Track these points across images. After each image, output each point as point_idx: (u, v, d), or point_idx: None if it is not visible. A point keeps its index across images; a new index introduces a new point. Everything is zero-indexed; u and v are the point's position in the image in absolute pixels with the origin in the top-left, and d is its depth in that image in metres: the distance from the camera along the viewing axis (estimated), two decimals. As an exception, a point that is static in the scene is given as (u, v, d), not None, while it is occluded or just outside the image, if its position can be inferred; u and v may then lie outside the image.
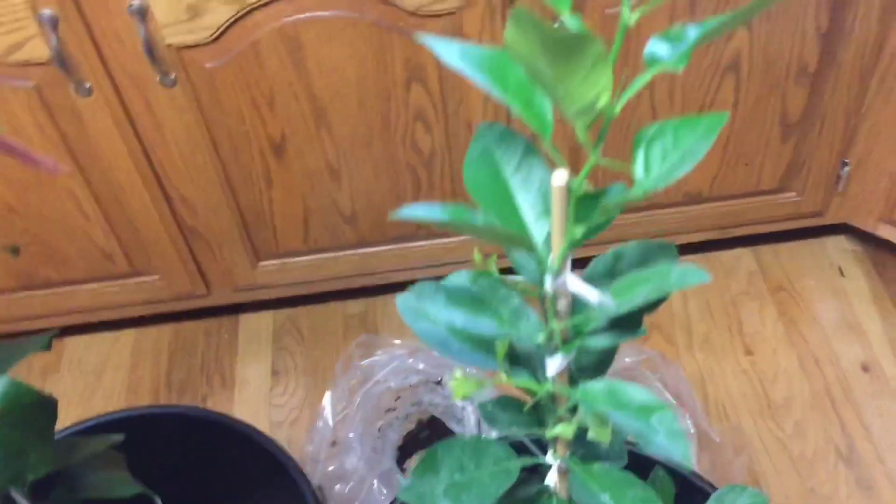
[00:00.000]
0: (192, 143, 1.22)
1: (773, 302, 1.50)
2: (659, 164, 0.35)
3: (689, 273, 0.37)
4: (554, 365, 0.44)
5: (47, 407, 0.65)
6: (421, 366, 1.30)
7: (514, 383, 0.46)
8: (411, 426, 1.36)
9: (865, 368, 1.39)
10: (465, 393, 0.44)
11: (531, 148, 0.43)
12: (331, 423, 1.26)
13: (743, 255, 1.56)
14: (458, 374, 0.45)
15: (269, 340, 1.54)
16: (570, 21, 0.34)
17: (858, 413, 1.34)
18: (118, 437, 0.73)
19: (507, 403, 0.56)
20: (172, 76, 1.13)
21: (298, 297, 1.54)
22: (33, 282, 1.39)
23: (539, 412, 0.53)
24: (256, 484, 1.02)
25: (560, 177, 0.35)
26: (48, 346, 0.69)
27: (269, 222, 1.36)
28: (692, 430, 1.23)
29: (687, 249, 1.54)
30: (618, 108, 0.36)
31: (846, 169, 1.38)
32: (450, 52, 0.36)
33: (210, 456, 1.03)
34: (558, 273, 0.39)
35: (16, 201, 1.26)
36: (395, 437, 1.32)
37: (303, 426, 1.40)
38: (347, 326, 1.54)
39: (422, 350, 1.31)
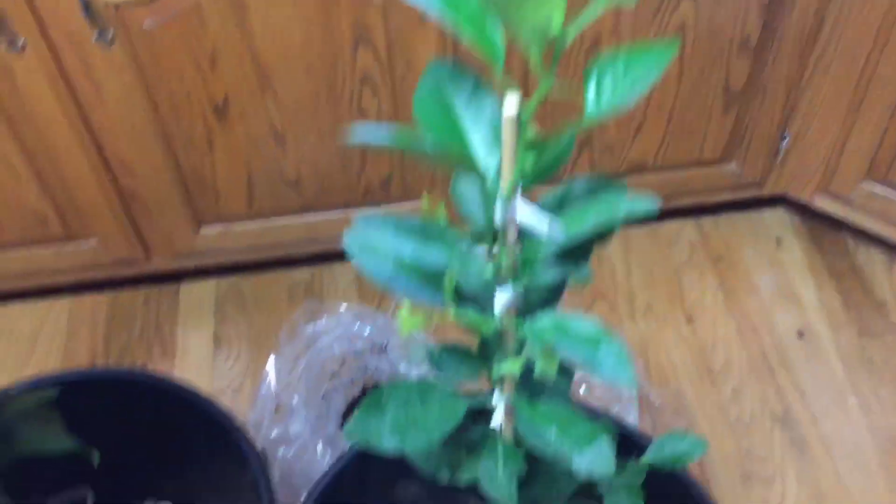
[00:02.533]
0: (131, 104, 1.18)
1: (713, 272, 1.53)
2: (610, 92, 0.35)
3: (638, 200, 0.37)
4: (503, 298, 0.44)
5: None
6: (367, 331, 1.29)
7: (462, 320, 0.46)
8: (356, 392, 1.36)
9: (801, 334, 1.43)
10: (412, 327, 0.44)
11: (481, 83, 0.43)
12: (274, 388, 1.24)
13: (685, 226, 1.59)
14: (405, 307, 0.44)
15: (212, 308, 1.52)
16: None
17: (794, 377, 1.38)
18: (51, 393, 0.71)
19: (453, 350, 0.56)
20: (110, 34, 1.09)
21: (241, 265, 1.52)
22: (-37, 246, 1.35)
23: (485, 355, 0.53)
24: (199, 446, 1.01)
25: (511, 103, 0.35)
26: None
27: (212, 186, 1.33)
28: (633, 394, 1.25)
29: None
30: (571, 36, 0.36)
31: (786, 140, 1.41)
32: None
33: (153, 419, 1.01)
34: (508, 199, 0.39)
35: (-56, 161, 1.21)
36: (340, 403, 1.32)
37: (246, 394, 1.39)
38: (292, 295, 1.53)
39: (368, 315, 1.30)
